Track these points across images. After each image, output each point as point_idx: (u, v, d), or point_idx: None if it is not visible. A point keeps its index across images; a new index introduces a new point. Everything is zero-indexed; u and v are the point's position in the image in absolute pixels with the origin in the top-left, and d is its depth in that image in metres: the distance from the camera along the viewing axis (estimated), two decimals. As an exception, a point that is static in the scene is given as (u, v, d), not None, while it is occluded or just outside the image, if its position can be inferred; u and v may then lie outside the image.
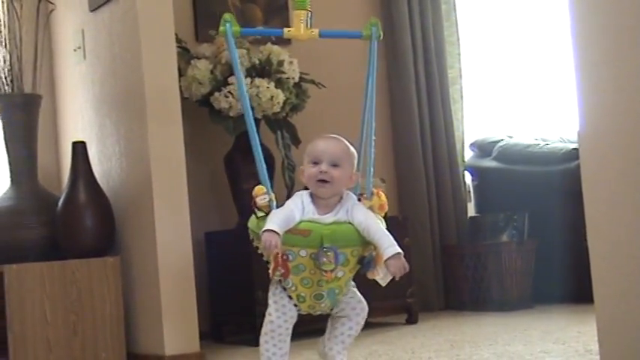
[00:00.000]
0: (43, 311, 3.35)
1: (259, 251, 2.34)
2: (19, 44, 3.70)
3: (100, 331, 3.43)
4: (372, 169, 2.39)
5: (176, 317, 3.38)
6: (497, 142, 5.00)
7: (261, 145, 2.40)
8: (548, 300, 4.49)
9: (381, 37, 2.45)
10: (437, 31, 4.94)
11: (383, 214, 2.37)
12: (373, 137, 2.40)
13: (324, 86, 4.28)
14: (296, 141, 4.10)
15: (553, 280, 4.47)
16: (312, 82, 4.23)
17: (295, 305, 2.32)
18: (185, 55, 4.03)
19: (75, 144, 3.64)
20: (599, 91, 2.29)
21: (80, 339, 3.40)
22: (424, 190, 4.78)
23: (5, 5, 3.73)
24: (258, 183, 2.35)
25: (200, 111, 4.05)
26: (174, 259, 3.40)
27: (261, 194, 2.32)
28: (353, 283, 2.39)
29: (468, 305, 4.65)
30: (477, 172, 5.07)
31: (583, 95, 2.33)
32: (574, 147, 4.48)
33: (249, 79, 3.91)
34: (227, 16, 2.38)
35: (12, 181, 3.67)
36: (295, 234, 2.24)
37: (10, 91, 3.68)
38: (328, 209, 2.31)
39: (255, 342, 3.75)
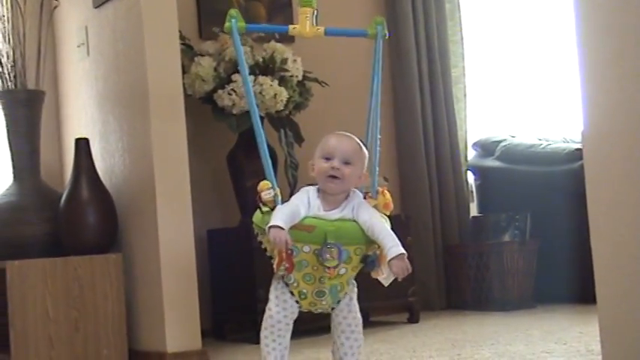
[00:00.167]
0: (45, 308, 3.35)
1: (263, 246, 2.34)
2: (22, 40, 3.70)
3: (102, 328, 3.43)
4: (377, 168, 2.39)
5: (178, 314, 3.38)
6: (500, 141, 5.00)
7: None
8: (550, 300, 4.49)
9: (387, 36, 2.45)
10: (441, 31, 4.94)
11: (388, 213, 2.37)
12: (378, 136, 2.40)
13: (327, 84, 4.28)
14: (299, 139, 4.09)
15: (555, 281, 4.47)
16: (316, 80, 4.23)
17: (296, 302, 2.32)
18: (189, 53, 4.03)
19: (78, 140, 3.64)
20: (603, 92, 2.29)
21: (82, 336, 3.40)
22: (427, 190, 4.78)
23: (9, 1, 3.73)
24: (261, 180, 2.35)
25: (203, 108, 4.06)
26: (176, 256, 3.40)
27: (266, 189, 2.31)
28: (355, 290, 2.38)
29: (470, 305, 4.64)
30: (479, 171, 5.07)
31: (587, 95, 2.32)
32: (577, 147, 4.48)
33: (252, 77, 3.91)
34: (233, 11, 2.39)
35: (14, 177, 3.67)
36: (299, 229, 2.23)
37: (13, 87, 3.67)
38: (334, 205, 2.31)
39: (256, 339, 3.76)
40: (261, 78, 3.92)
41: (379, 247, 2.27)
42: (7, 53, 3.68)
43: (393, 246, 2.23)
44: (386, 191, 2.38)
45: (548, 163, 4.68)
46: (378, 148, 2.40)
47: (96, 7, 3.74)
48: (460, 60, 5.02)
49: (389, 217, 2.37)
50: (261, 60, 4.01)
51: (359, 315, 2.39)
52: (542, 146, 4.80)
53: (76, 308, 3.40)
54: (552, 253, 4.54)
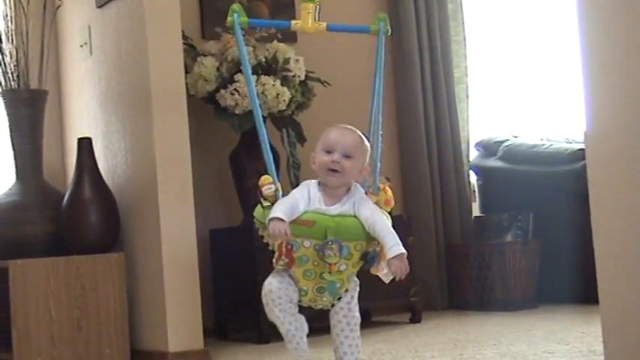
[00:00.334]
0: (48, 307, 3.35)
1: (264, 240, 2.34)
2: (25, 40, 3.70)
3: (104, 328, 3.43)
4: (378, 164, 2.39)
5: (180, 314, 3.38)
6: (503, 141, 5.00)
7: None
8: (552, 300, 4.49)
9: (389, 33, 2.45)
10: (443, 31, 4.94)
11: (389, 210, 2.36)
12: (380, 132, 2.40)
13: (329, 84, 4.28)
14: (301, 139, 4.09)
15: (557, 281, 4.47)
16: (318, 80, 4.23)
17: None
18: (191, 52, 4.03)
19: (80, 140, 3.64)
20: (606, 92, 2.29)
21: (84, 335, 3.40)
22: (429, 190, 4.78)
23: (12, 0, 3.74)
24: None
25: (206, 108, 4.06)
26: (178, 255, 3.40)
27: (267, 184, 2.32)
28: (357, 289, 2.38)
29: (472, 305, 4.64)
30: (481, 171, 5.07)
31: (590, 95, 2.32)
32: (579, 147, 4.48)
33: (255, 77, 3.91)
34: (235, 6, 2.40)
35: (17, 176, 3.68)
36: (299, 224, 2.23)
37: (16, 86, 3.68)
38: (335, 199, 2.30)
39: (258, 339, 3.78)
40: (263, 78, 3.92)
41: (379, 243, 2.27)
42: (10, 52, 3.69)
43: (393, 245, 2.23)
44: (387, 188, 2.37)
45: (550, 164, 4.67)
46: (379, 144, 2.40)
47: (99, 7, 3.74)
48: (463, 60, 5.02)
49: (390, 213, 2.37)
50: (263, 60, 4.01)
51: (358, 314, 2.38)
52: (544, 146, 4.80)
53: (79, 307, 3.40)
54: (554, 253, 4.53)
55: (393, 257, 2.22)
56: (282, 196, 2.30)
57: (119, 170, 3.66)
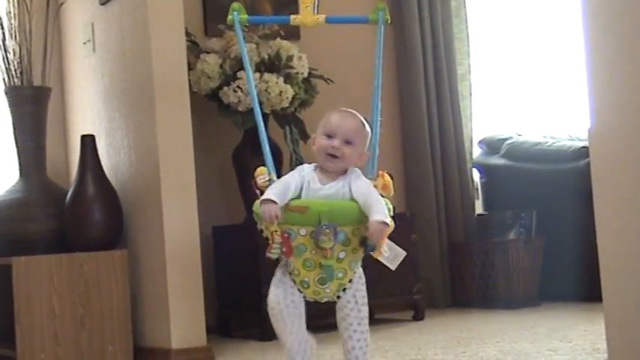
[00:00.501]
0: (51, 304, 3.36)
1: (264, 234, 2.32)
2: (28, 37, 3.70)
3: (107, 325, 3.44)
4: (377, 150, 2.37)
5: (183, 311, 3.38)
6: (506, 139, 4.99)
7: (270, 139, 2.41)
8: (555, 298, 4.49)
9: (389, 22, 2.46)
10: (446, 28, 4.93)
11: (386, 196, 2.32)
12: (379, 118, 2.39)
13: (332, 82, 4.28)
14: (304, 136, 4.09)
15: (560, 278, 4.46)
16: (321, 77, 4.23)
17: (300, 292, 2.30)
18: (194, 50, 4.04)
19: (84, 137, 3.64)
20: (610, 89, 2.29)
21: (87, 332, 3.41)
22: (432, 187, 4.78)
23: (15, -3, 3.74)
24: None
25: (209, 105, 4.06)
26: (181, 253, 3.40)
27: (262, 175, 2.32)
28: (362, 282, 2.36)
29: (475, 302, 4.64)
30: (485, 169, 5.06)
31: (594, 93, 2.32)
32: (583, 145, 4.48)
33: (258, 74, 3.91)
34: (235, 5, 2.44)
35: (20, 173, 3.68)
36: (292, 211, 2.22)
37: (19, 83, 3.68)
38: (330, 180, 2.30)
39: (261, 336, 3.78)
40: (266, 75, 3.92)
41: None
42: (13, 50, 3.68)
43: (380, 213, 2.19)
44: (386, 174, 2.35)
45: (554, 161, 4.67)
46: (378, 130, 2.39)
47: (102, 4, 3.74)
48: (466, 57, 5.01)
49: (393, 208, 2.34)
50: (266, 57, 4.01)
51: (366, 308, 2.36)
52: (547, 144, 4.80)
53: (82, 304, 3.41)
54: (558, 250, 4.53)
55: (375, 220, 2.17)
56: None
57: (122, 167, 3.66)
